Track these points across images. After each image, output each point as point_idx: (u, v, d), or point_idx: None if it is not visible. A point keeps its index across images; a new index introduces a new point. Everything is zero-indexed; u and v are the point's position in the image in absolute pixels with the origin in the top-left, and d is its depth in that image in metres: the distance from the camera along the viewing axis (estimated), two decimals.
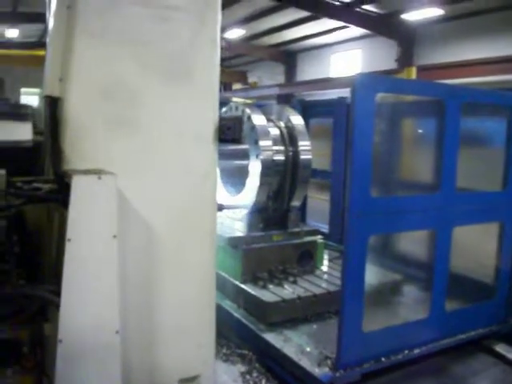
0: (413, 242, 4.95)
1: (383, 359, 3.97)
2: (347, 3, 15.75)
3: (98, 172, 2.52)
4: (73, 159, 2.75)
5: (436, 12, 14.66)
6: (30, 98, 16.12)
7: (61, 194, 2.61)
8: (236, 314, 4.75)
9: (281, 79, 23.84)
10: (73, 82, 2.77)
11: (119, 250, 2.57)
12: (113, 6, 2.79)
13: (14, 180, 2.86)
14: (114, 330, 2.57)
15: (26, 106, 2.73)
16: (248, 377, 4.20)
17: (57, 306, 2.47)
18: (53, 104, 2.82)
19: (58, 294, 2.49)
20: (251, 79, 25.83)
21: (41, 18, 17.45)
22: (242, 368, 4.31)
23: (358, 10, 16.01)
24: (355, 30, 17.96)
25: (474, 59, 12.76)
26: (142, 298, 2.99)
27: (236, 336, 4.70)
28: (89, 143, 2.78)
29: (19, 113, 2.63)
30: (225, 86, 20.31)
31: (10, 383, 2.84)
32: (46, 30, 3.62)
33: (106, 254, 2.52)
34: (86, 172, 2.54)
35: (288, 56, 23.77)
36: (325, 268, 5.60)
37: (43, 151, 3.07)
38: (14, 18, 18.95)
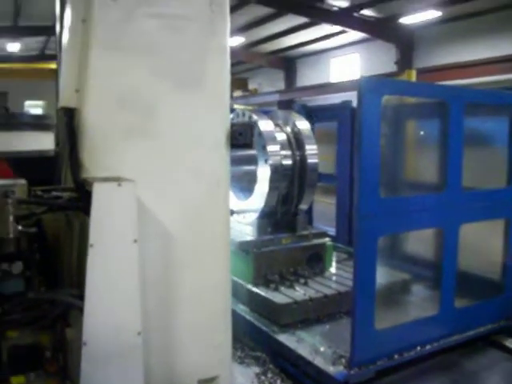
0: (420, 241, 5.02)
1: (396, 356, 4.03)
2: (345, 8, 15.88)
3: (117, 179, 2.60)
4: (91, 168, 2.83)
5: (434, 14, 14.79)
6: (34, 110, 16.24)
7: (81, 202, 2.70)
8: (249, 317, 4.82)
9: (281, 85, 23.99)
10: (89, 92, 2.86)
11: (139, 254, 2.65)
12: (127, 19, 2.88)
13: (34, 189, 2.94)
14: (136, 331, 2.64)
15: (48, 117, 2.82)
16: (263, 378, 4.26)
17: (80, 310, 2.54)
18: (69, 114, 2.91)
19: (80, 297, 2.56)
20: (251, 86, 26.01)
21: (42, 31, 17.74)
22: (256, 370, 4.37)
23: (356, 14, 16.14)
24: (354, 35, 18.12)
25: (473, 60, 12.88)
26: (160, 300, 3.06)
27: (250, 339, 4.76)
28: (106, 152, 2.86)
29: (42, 123, 2.72)
30: None
31: None
32: (55, 43, 3.72)
33: (128, 258, 2.59)
34: (106, 179, 2.62)
35: (287, 62, 23.93)
36: (334, 269, 5.67)
37: (61, 160, 3.15)
38: (15, 32, 19.09)
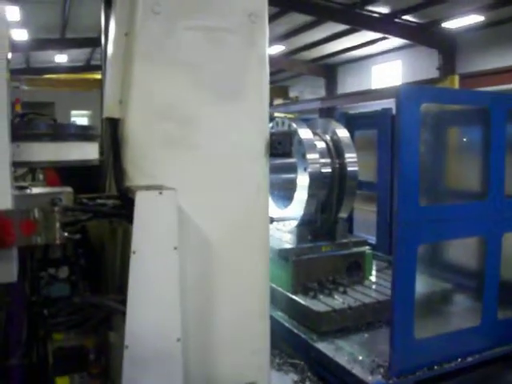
0: (462, 250, 4.94)
1: (436, 367, 3.99)
2: (386, 14, 15.77)
3: (159, 187, 2.67)
4: (134, 176, 2.92)
5: (476, 19, 14.55)
6: (80, 119, 16.70)
7: (125, 209, 2.78)
8: (287, 325, 4.85)
9: (322, 93, 23.94)
10: (132, 104, 2.96)
11: (179, 261, 2.72)
12: (168, 32, 2.97)
13: (79, 196, 3.05)
14: (175, 337, 2.69)
15: (93, 128, 2.92)
16: None
17: (123, 314, 2.62)
18: (113, 125, 3.02)
19: (123, 302, 2.64)
20: (292, 94, 26.04)
21: (87, 42, 18.25)
22: (295, 377, 4.39)
23: (397, 20, 16.01)
24: (395, 41, 17.96)
25: None
26: (199, 307, 3.12)
27: (288, 346, 4.78)
28: (148, 161, 2.95)
29: (88, 134, 2.83)
30: None
31: None
32: (101, 55, 3.85)
33: (168, 264, 2.66)
34: (148, 188, 2.70)
35: (328, 69, 23.88)
36: (373, 278, 5.64)
37: (105, 169, 3.26)
38: (62, 44, 19.71)
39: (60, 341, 3.00)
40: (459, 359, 4.10)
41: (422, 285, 4.19)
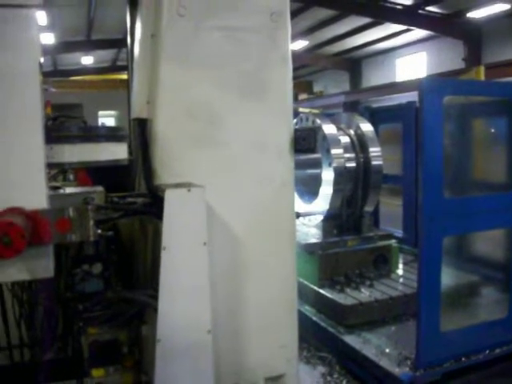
0: (488, 242, 4.92)
1: (463, 359, 3.99)
2: (409, 6, 15.62)
3: (187, 185, 2.75)
4: (163, 175, 3.02)
5: (502, 7, 14.31)
6: (107, 120, 16.93)
7: (154, 207, 2.87)
8: (315, 318, 4.90)
9: (346, 87, 23.83)
10: (159, 104, 3.05)
11: (208, 257, 2.79)
12: (193, 33, 3.05)
13: (110, 195, 3.15)
14: (206, 329, 2.78)
15: (122, 129, 3.02)
16: (329, 378, 4.33)
17: (155, 309, 2.71)
18: (142, 125, 3.11)
19: (154, 297, 2.73)
20: (316, 88, 25.99)
21: (113, 44, 18.50)
22: (322, 370, 4.44)
23: (421, 11, 15.85)
24: (419, 33, 17.79)
25: None
26: (229, 300, 3.20)
27: (315, 339, 4.84)
28: (176, 159, 3.04)
29: (117, 134, 2.92)
30: None
31: (112, 380, 3.10)
32: (126, 55, 3.95)
33: (198, 259, 2.74)
34: (177, 185, 2.78)
35: (352, 63, 23.77)
36: (400, 271, 5.65)
37: (134, 168, 3.35)
38: (88, 46, 20.02)
39: (95, 334, 3.10)
40: (487, 351, 4.10)
41: (448, 277, 4.20)
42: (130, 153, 3.21)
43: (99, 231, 2.64)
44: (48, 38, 17.28)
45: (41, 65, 2.40)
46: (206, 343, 2.79)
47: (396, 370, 3.90)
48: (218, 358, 2.97)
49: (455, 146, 4.31)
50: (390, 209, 7.63)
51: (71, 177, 4.09)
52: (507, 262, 4.30)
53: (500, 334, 4.21)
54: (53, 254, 2.39)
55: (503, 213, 4.12)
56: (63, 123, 3.07)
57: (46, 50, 17.02)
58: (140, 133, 3.09)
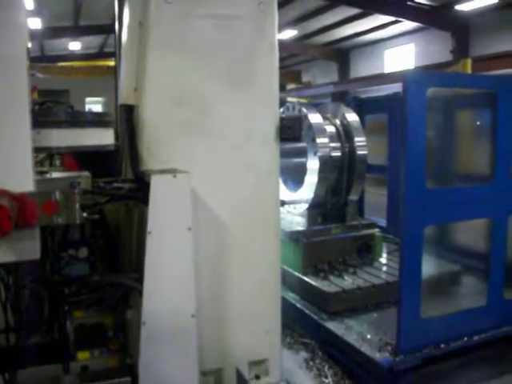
0: (469, 232, 5.01)
1: (442, 345, 4.08)
2: None
3: (173, 171, 2.79)
4: (149, 161, 3.05)
5: (490, 1, 14.39)
6: (94, 106, 16.86)
7: (140, 192, 2.91)
8: (298, 305, 4.97)
9: (334, 77, 23.85)
10: (147, 91, 3.07)
11: (193, 242, 2.84)
12: (181, 20, 3.07)
13: (97, 181, 3.18)
14: (190, 313, 2.82)
15: (108, 114, 3.05)
16: (311, 363, 4.41)
17: (140, 292, 2.76)
18: (128, 111, 3.13)
19: (139, 281, 2.77)
20: (305, 78, 25.98)
21: (101, 30, 18.34)
22: (305, 355, 4.52)
23: (409, 3, 15.89)
24: (408, 24, 17.82)
25: None
26: (213, 285, 3.25)
27: (299, 325, 4.91)
28: (163, 146, 3.07)
29: (103, 120, 2.96)
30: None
31: (97, 363, 3.15)
32: (114, 42, 3.96)
33: (183, 244, 2.78)
34: (163, 171, 2.82)
35: (341, 54, 23.76)
36: (383, 260, 5.74)
37: (121, 154, 3.38)
38: (76, 32, 19.82)
39: (80, 318, 3.15)
40: (465, 338, 4.19)
41: (430, 266, 4.28)
42: (117, 138, 3.24)
43: (85, 214, 2.67)
44: (35, 23, 17.08)
45: (28, 50, 2.42)
46: (190, 327, 2.84)
47: (377, 356, 3.97)
48: (202, 342, 3.02)
49: (438, 138, 4.38)
50: (376, 199, 7.71)
51: (58, 162, 4.11)
52: (488, 251, 4.38)
53: (478, 321, 4.29)
54: (39, 236, 2.42)
55: (484, 203, 4.19)
56: (50, 108, 3.09)
57: (33, 36, 16.86)
58: (127, 119, 3.12)
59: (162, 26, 3.06)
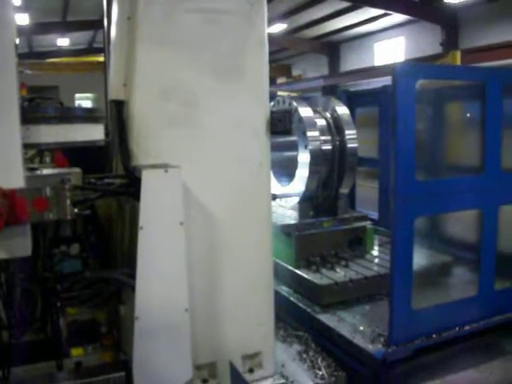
0: (460, 223, 5.04)
1: (434, 336, 4.10)
2: None
3: (164, 166, 2.80)
4: (139, 156, 3.04)
5: None
6: (84, 102, 16.78)
7: (132, 188, 2.91)
8: (291, 298, 4.98)
9: (325, 71, 23.88)
10: (136, 86, 3.06)
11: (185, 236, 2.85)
12: (169, 15, 3.07)
13: (87, 176, 3.18)
14: (183, 308, 2.84)
15: (98, 110, 3.04)
16: (305, 355, 4.41)
17: (132, 287, 2.76)
18: (118, 107, 3.13)
19: (132, 276, 2.78)
20: (295, 72, 25.99)
21: (89, 25, 18.23)
22: (298, 348, 4.52)
23: None
24: (398, 17, 17.86)
25: None
26: (206, 279, 3.26)
27: (292, 318, 4.92)
28: (153, 141, 3.07)
29: (93, 116, 2.95)
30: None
31: (91, 359, 3.16)
32: (103, 37, 3.94)
33: (175, 239, 2.79)
34: (154, 166, 2.83)
35: (331, 47, 23.78)
36: (375, 252, 5.75)
37: (111, 150, 3.38)
38: (64, 27, 19.70)
39: (73, 315, 3.15)
40: (457, 328, 4.22)
41: (421, 257, 4.30)
42: (107, 134, 3.23)
43: (76, 210, 2.66)
44: (23, 19, 16.94)
45: (16, 46, 2.41)
46: (183, 321, 2.86)
47: (369, 347, 3.99)
48: (195, 336, 3.03)
49: (428, 130, 4.40)
50: (367, 191, 7.73)
51: (48, 159, 4.09)
52: (478, 242, 4.41)
53: (469, 311, 4.33)
54: (30, 232, 2.42)
55: (474, 194, 4.22)
56: (39, 104, 3.08)
57: (20, 31, 16.74)
58: (116, 114, 3.11)
59: (150, 21, 3.05)
